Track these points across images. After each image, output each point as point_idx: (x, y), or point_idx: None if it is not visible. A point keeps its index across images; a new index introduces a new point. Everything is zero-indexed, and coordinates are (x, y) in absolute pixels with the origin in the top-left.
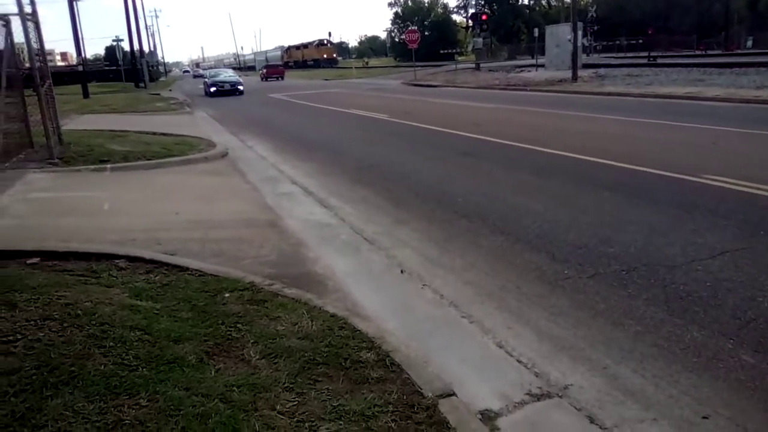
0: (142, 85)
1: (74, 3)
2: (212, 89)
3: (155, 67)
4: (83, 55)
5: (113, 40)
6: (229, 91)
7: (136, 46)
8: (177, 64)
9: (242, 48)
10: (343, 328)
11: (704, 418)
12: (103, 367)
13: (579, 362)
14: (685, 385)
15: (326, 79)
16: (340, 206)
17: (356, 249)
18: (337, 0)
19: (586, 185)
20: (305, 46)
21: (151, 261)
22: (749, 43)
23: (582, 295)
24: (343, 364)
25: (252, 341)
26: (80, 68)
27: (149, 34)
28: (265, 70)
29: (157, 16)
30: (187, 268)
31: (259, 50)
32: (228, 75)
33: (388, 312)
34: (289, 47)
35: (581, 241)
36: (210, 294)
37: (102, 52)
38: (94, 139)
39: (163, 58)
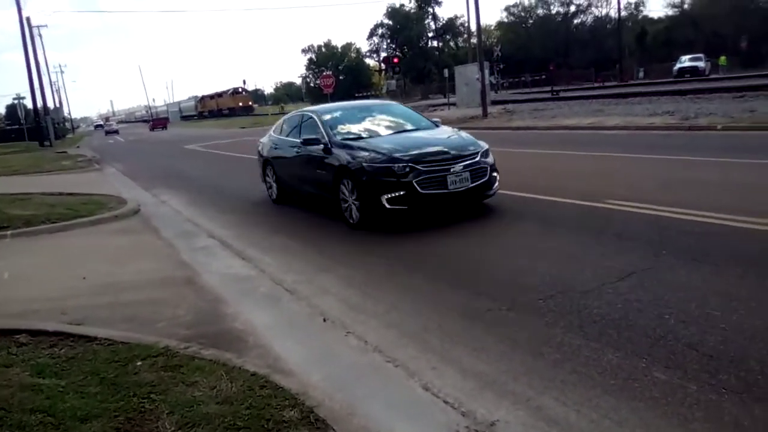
0: (47, 143)
1: None
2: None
3: (61, 124)
4: None
5: (14, 98)
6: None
7: (39, 103)
8: (85, 119)
9: (154, 100)
10: (264, 387)
11: None
12: None
13: (503, 397)
14: (605, 408)
15: (243, 128)
16: (260, 257)
17: (277, 300)
18: (250, 48)
19: (501, 218)
20: (219, 95)
21: (56, 333)
22: (641, 74)
23: (503, 328)
24: (266, 426)
25: (167, 411)
26: None
27: (54, 90)
28: (152, 122)
29: (62, 72)
30: (95, 338)
31: (171, 101)
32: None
33: (312, 364)
34: (203, 97)
35: (499, 273)
36: (120, 364)
37: (2, 110)
38: None
39: (69, 114)
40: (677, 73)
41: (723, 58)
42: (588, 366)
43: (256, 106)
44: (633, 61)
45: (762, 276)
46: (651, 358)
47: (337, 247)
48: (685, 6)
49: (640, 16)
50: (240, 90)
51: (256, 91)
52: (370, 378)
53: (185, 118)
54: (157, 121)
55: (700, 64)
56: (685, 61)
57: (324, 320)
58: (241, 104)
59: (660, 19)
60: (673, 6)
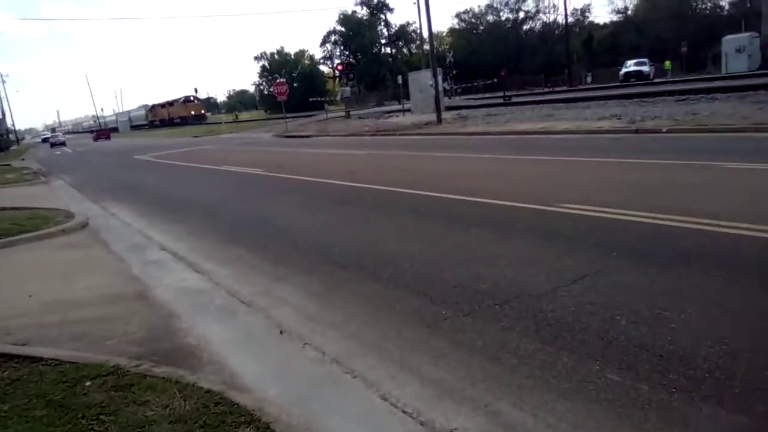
0: None
1: None
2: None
3: (4, 136)
4: None
5: None
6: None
7: None
8: (30, 130)
9: (102, 109)
10: (219, 404)
11: None
12: None
13: (462, 404)
14: (561, 411)
15: (195, 136)
16: (214, 269)
17: (232, 313)
18: (202, 56)
19: (457, 224)
20: (170, 103)
21: None
22: (589, 79)
23: (460, 335)
24: None
25: None
26: None
27: None
28: (95, 133)
29: (3, 82)
30: (41, 358)
31: (120, 110)
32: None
33: (269, 378)
34: (154, 106)
35: (456, 279)
36: (68, 385)
37: None
38: None
39: (13, 125)
40: (623, 78)
41: (668, 62)
42: (544, 370)
43: (208, 114)
44: (581, 66)
45: (705, 274)
46: (604, 360)
47: (293, 256)
48: (629, 12)
49: (586, 22)
50: (192, 98)
51: (209, 99)
52: (328, 390)
53: (135, 127)
54: (100, 132)
55: (645, 68)
56: (630, 65)
57: (281, 332)
58: (193, 113)
59: (605, 25)
60: (618, 12)
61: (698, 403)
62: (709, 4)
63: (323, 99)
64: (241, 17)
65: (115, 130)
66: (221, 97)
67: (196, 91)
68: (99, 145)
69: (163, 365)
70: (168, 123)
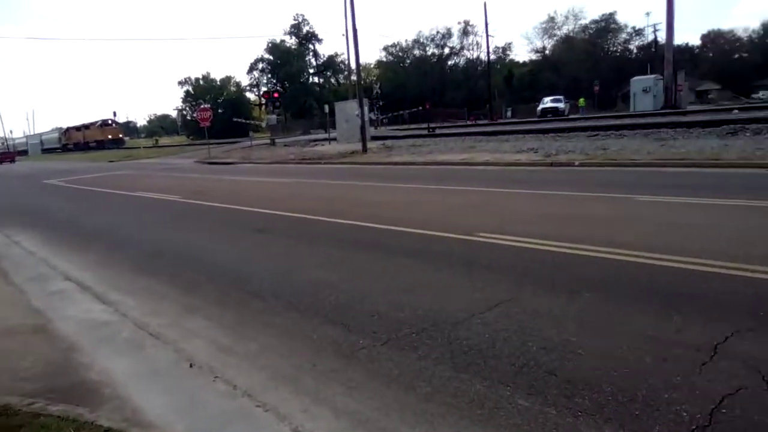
0: None
1: None
2: None
3: None
4: None
5: None
6: None
7: None
8: None
9: (11, 131)
10: None
11: None
12: None
13: None
14: None
15: (111, 161)
16: (122, 300)
17: (139, 346)
18: (121, 79)
19: (379, 253)
20: (87, 126)
21: None
22: (509, 114)
23: (376, 364)
24: None
25: None
26: None
27: None
28: None
29: None
30: None
31: (32, 133)
32: None
33: (175, 413)
34: (69, 128)
35: (375, 308)
36: None
37: None
38: None
39: None
40: (541, 113)
41: (582, 100)
42: (457, 397)
43: (127, 138)
44: (502, 101)
45: (609, 301)
46: (515, 386)
47: (206, 286)
48: (547, 52)
49: (507, 60)
50: (110, 122)
51: (128, 123)
52: (238, 425)
53: (47, 150)
54: (4, 154)
55: (561, 105)
56: (547, 102)
57: (191, 366)
58: (110, 137)
59: (525, 63)
60: (536, 51)
61: (602, 426)
62: (619, 48)
63: (248, 121)
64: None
65: (24, 152)
66: (141, 122)
67: (114, 114)
68: (4, 169)
69: (59, 403)
70: (83, 147)
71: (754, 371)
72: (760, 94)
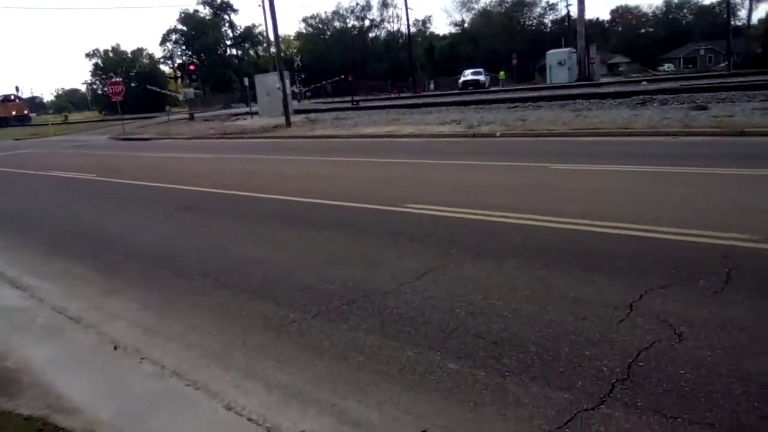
0: None
1: None
2: None
3: None
4: None
5: None
6: None
7: None
8: None
9: None
10: (41, 430)
11: (423, 431)
12: None
13: (308, 406)
14: (405, 404)
15: (17, 139)
16: (37, 284)
17: (58, 331)
18: (23, 51)
19: (307, 227)
20: None
21: None
22: (432, 86)
23: (307, 337)
24: None
25: None
26: None
27: None
28: None
29: None
30: None
31: None
32: None
33: (101, 398)
34: None
35: (304, 282)
36: None
37: None
38: None
39: None
40: (462, 86)
41: (502, 72)
42: (389, 365)
43: (33, 115)
44: (424, 73)
45: (531, 266)
46: (445, 351)
47: (128, 267)
48: (465, 25)
49: (427, 33)
50: (12, 97)
51: (34, 98)
52: (168, 405)
53: None
54: None
55: (481, 77)
56: (468, 74)
57: (115, 348)
58: (14, 113)
59: (445, 36)
60: (455, 24)
61: (528, 384)
62: (534, 21)
63: (163, 91)
64: (72, 11)
65: None
66: (48, 97)
67: (17, 89)
68: None
69: None
70: None
71: (667, 326)
72: (665, 66)
